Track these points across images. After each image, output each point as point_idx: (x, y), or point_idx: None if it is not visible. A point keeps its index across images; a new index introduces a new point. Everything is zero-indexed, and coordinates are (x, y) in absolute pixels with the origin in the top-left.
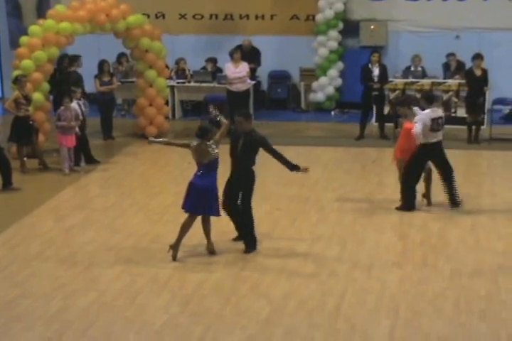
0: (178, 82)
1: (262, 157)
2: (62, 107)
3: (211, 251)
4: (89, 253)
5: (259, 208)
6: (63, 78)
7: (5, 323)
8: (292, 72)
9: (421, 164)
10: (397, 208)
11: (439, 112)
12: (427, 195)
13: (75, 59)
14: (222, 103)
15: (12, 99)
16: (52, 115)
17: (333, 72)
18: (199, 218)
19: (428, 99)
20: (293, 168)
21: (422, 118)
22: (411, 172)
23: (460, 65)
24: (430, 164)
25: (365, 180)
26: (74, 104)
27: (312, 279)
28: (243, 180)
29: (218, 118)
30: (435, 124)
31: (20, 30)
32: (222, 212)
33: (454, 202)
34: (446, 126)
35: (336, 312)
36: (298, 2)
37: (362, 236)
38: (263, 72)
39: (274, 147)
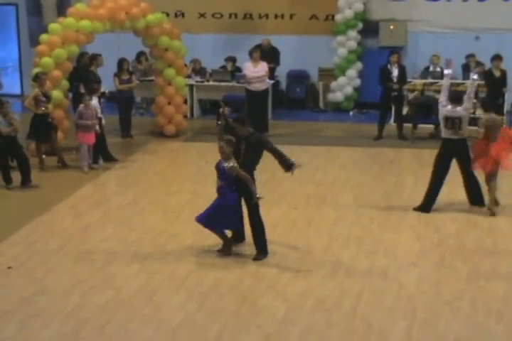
0: (196, 81)
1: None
2: (82, 105)
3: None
4: (106, 250)
5: (276, 207)
6: (85, 75)
7: (23, 319)
8: (311, 71)
9: (444, 160)
10: (415, 208)
11: (456, 113)
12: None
13: (94, 58)
14: (240, 102)
15: (32, 96)
16: (71, 113)
17: (352, 72)
18: None
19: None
20: (288, 168)
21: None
22: (435, 169)
23: (479, 65)
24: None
25: (383, 181)
26: (94, 102)
27: (329, 278)
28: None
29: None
30: (449, 123)
31: (41, 28)
32: None
33: (479, 200)
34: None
35: (353, 311)
36: (317, 2)
37: (379, 236)
38: (282, 72)
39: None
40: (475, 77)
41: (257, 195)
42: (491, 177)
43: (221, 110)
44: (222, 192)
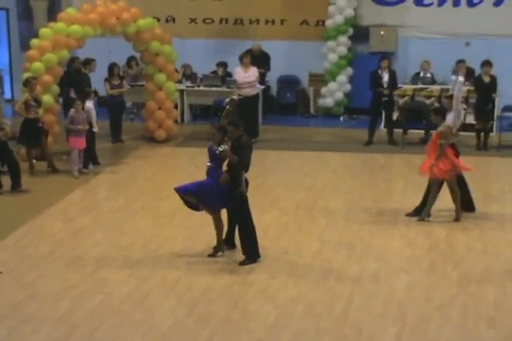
0: (187, 86)
1: (270, 162)
2: (72, 110)
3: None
4: (97, 255)
5: (267, 213)
6: (75, 80)
7: (13, 324)
8: (301, 77)
9: None
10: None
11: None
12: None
13: (88, 62)
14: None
15: (22, 101)
16: (62, 117)
17: (343, 77)
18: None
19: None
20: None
21: None
22: None
23: (470, 71)
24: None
25: (374, 186)
26: (90, 105)
27: (320, 284)
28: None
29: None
30: None
31: (31, 33)
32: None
33: (469, 206)
34: None
35: (344, 317)
36: (308, 7)
37: (370, 241)
38: (272, 77)
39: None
40: (460, 78)
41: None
42: (439, 185)
43: (234, 97)
44: (210, 172)
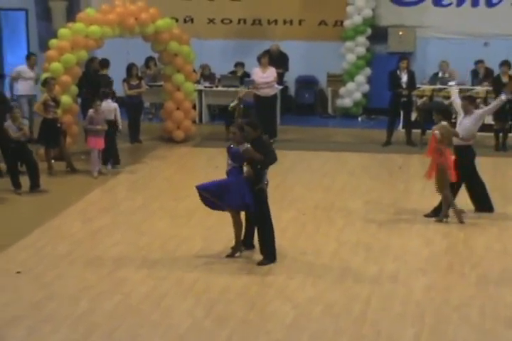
0: (205, 87)
1: (288, 162)
2: (91, 110)
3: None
4: (115, 255)
5: (285, 213)
6: (94, 81)
7: (32, 325)
8: (320, 77)
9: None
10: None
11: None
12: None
13: (107, 62)
14: (249, 108)
15: (41, 101)
16: (80, 118)
17: (361, 77)
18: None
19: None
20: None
21: None
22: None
23: (488, 72)
24: None
25: (392, 187)
26: (115, 104)
27: (338, 284)
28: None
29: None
30: None
31: (50, 33)
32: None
33: (488, 206)
34: None
35: (362, 317)
36: (326, 8)
37: (387, 242)
38: (291, 77)
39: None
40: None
41: (266, 182)
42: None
43: (240, 95)
44: (232, 172)
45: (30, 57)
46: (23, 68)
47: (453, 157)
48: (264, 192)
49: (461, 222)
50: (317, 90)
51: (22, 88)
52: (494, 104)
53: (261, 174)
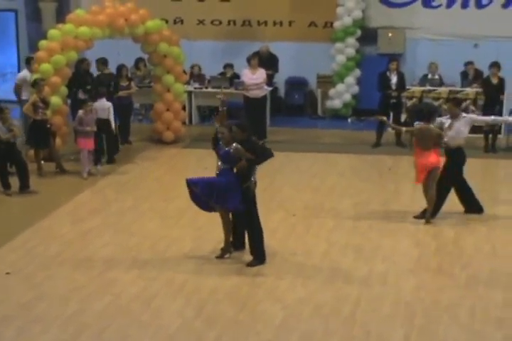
0: (195, 88)
1: (277, 163)
2: (81, 111)
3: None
4: (105, 256)
5: (275, 214)
6: (83, 81)
7: (22, 325)
8: (309, 78)
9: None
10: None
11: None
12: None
13: (106, 61)
14: (239, 109)
15: (30, 102)
16: (69, 119)
17: (350, 79)
18: (213, 224)
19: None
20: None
21: None
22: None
23: (478, 73)
24: None
25: (381, 188)
26: (108, 103)
27: (328, 285)
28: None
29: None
30: None
31: (40, 34)
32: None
33: (477, 207)
34: None
35: (352, 318)
36: (316, 9)
37: (377, 243)
38: (280, 79)
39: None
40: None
41: (254, 182)
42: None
43: (220, 97)
44: (223, 173)
45: (30, 61)
46: (26, 74)
47: (442, 158)
48: (252, 191)
49: (428, 222)
50: (307, 91)
51: (28, 93)
52: (497, 120)
53: (250, 172)
